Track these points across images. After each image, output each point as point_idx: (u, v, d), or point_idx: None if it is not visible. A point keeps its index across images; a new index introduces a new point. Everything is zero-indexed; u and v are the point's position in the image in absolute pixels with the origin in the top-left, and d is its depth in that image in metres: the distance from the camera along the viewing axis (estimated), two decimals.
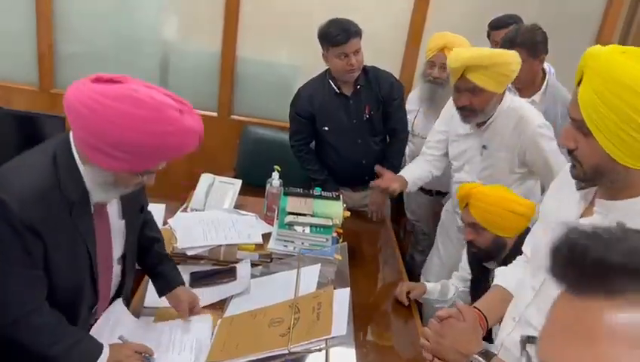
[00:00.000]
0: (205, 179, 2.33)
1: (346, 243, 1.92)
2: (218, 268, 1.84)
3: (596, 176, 1.02)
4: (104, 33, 3.02)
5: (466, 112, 1.96)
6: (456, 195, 1.89)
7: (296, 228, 1.91)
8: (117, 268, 1.42)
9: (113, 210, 1.37)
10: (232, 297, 1.67)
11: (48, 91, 3.05)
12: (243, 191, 2.35)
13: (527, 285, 1.16)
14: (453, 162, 2.23)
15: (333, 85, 2.41)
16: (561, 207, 1.17)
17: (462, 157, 2.16)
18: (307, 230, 1.91)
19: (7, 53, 3.03)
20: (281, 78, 3.16)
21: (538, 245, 1.23)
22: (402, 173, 2.29)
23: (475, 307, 1.32)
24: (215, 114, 3.13)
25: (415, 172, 2.29)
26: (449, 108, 2.17)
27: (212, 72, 3.08)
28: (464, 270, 2.00)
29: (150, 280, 1.60)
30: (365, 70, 2.42)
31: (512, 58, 1.87)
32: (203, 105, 3.11)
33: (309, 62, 3.08)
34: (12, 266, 1.17)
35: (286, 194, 2.09)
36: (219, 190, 2.32)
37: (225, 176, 2.42)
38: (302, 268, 1.73)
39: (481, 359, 1.09)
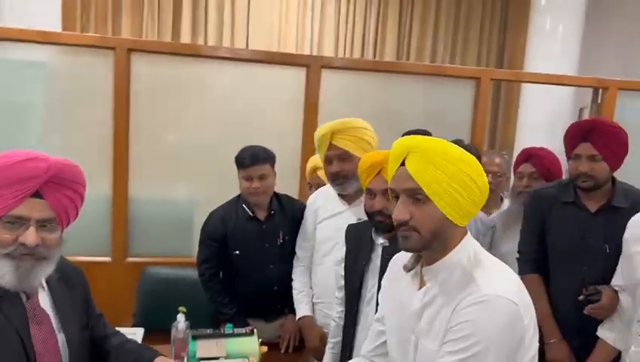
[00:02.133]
0: None
1: None
2: None
3: (433, 239, 1.15)
4: None
5: (340, 180, 2.15)
6: (361, 168, 1.83)
7: None
8: None
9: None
10: None
11: None
12: (146, 340, 2.15)
13: None
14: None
15: (247, 209, 2.40)
16: (402, 294, 1.28)
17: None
18: None
19: None
20: (180, 215, 3.07)
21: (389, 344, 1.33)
22: None
23: None
24: (108, 259, 2.93)
25: None
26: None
27: (103, 216, 2.93)
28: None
29: None
30: (278, 196, 2.46)
31: (368, 126, 2.20)
32: (94, 251, 2.93)
33: (210, 195, 3.06)
34: None
35: (194, 337, 1.93)
36: None
37: (123, 326, 2.21)
38: None
39: None
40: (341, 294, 2.03)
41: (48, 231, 1.21)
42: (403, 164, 1.15)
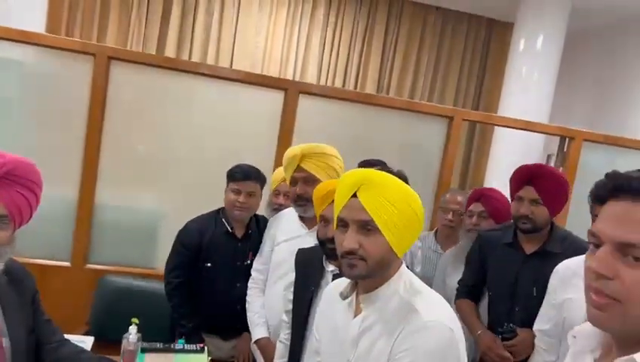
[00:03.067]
0: None
1: None
2: None
3: (378, 268, 1.21)
4: None
5: (302, 202, 2.20)
6: (317, 195, 1.85)
7: None
8: None
9: None
10: None
11: None
12: (96, 349, 2.11)
13: None
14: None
15: (226, 223, 2.43)
16: (337, 323, 1.32)
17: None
18: None
19: None
20: (145, 224, 3.06)
21: None
22: None
23: None
24: (68, 264, 2.89)
25: None
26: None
27: (66, 220, 2.90)
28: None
29: None
30: (257, 218, 2.51)
31: (337, 154, 2.27)
32: (54, 254, 2.89)
33: (176, 208, 3.07)
34: None
35: (143, 350, 1.94)
36: None
37: (74, 334, 2.18)
38: None
39: None
40: (288, 317, 2.04)
41: (0, 228, 1.20)
42: (355, 195, 1.19)
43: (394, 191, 1.18)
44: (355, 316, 1.27)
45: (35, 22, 4.31)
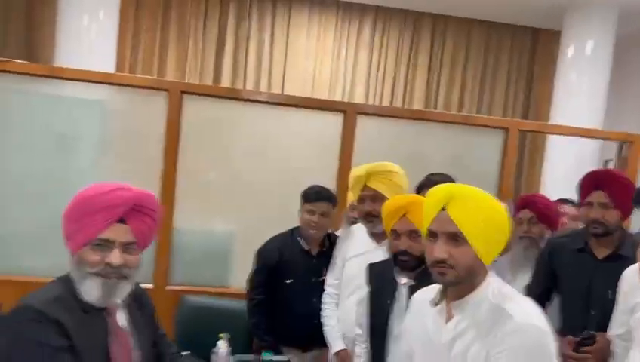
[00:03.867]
0: None
1: None
2: None
3: (466, 276, 1.30)
4: (36, 214, 3.02)
5: (371, 218, 2.31)
6: (386, 211, 1.97)
7: None
8: None
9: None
10: None
11: None
12: None
13: None
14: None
15: (302, 242, 2.58)
16: (429, 328, 1.41)
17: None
18: None
19: None
20: (217, 245, 3.24)
21: None
22: None
23: None
24: (151, 285, 3.08)
25: None
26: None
27: None
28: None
29: None
30: (329, 236, 2.66)
31: (401, 171, 2.39)
32: (138, 277, 3.08)
33: (244, 227, 3.24)
34: None
35: None
36: None
37: None
38: None
39: None
40: (362, 331, 2.14)
41: (130, 254, 1.37)
42: (444, 208, 1.30)
43: (481, 204, 1.29)
44: (446, 321, 1.37)
45: (106, 63, 4.65)
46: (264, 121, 3.28)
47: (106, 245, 1.33)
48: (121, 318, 1.43)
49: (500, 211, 1.32)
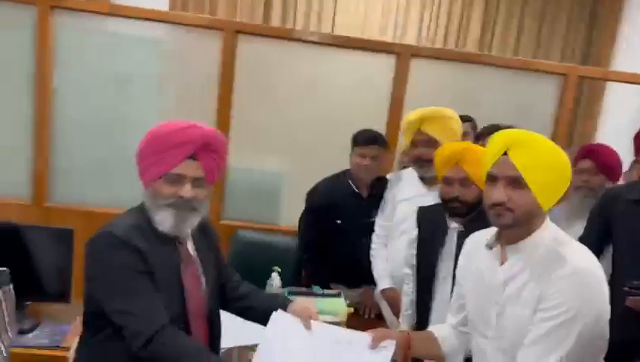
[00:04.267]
0: None
1: None
2: None
3: (524, 219, 1.32)
4: (101, 148, 3.18)
5: (422, 163, 2.32)
6: (439, 158, 1.99)
7: None
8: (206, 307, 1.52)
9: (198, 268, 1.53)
10: None
11: (41, 205, 3.12)
12: None
13: None
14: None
15: (352, 184, 2.64)
16: (483, 270, 1.45)
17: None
18: None
19: (1, 170, 3.13)
20: (268, 185, 3.35)
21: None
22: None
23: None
24: None
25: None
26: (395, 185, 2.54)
27: None
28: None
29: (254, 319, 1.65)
30: (380, 178, 2.67)
31: (456, 116, 2.36)
32: None
33: (292, 169, 3.32)
34: (138, 284, 1.32)
35: (290, 293, 2.19)
36: None
37: None
38: None
39: None
40: (410, 272, 2.21)
41: (199, 188, 1.45)
42: (505, 153, 1.31)
43: (544, 151, 1.30)
44: (500, 264, 1.41)
45: (159, 1, 4.69)
46: (317, 62, 3.28)
47: (178, 179, 1.42)
48: (191, 247, 1.53)
49: (562, 159, 1.32)
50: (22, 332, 2.04)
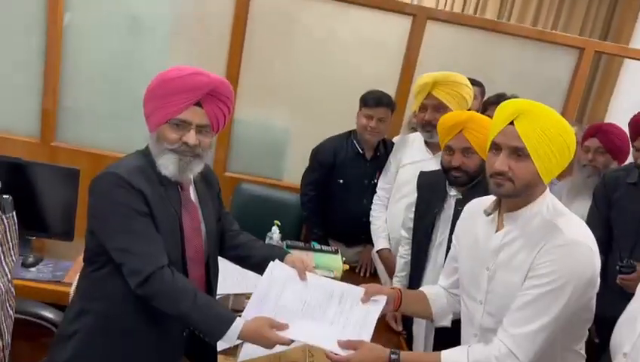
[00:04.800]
0: None
1: None
2: None
3: (523, 190, 1.33)
4: (111, 90, 3.18)
5: (430, 128, 2.30)
6: (442, 126, 1.97)
7: None
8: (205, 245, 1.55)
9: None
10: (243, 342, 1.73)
11: (49, 144, 3.15)
12: None
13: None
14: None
15: (357, 145, 2.65)
16: (479, 235, 1.48)
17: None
18: None
19: (12, 107, 3.14)
20: (274, 140, 3.36)
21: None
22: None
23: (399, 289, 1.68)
24: None
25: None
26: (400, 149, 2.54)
27: None
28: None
29: (250, 267, 1.69)
30: (385, 141, 2.69)
31: (468, 83, 2.33)
32: None
33: (300, 126, 3.32)
34: (139, 224, 1.35)
35: (288, 247, 2.23)
36: None
37: None
38: None
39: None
40: (407, 235, 2.23)
41: (204, 135, 1.46)
42: (511, 123, 1.31)
43: (549, 123, 1.29)
44: (496, 231, 1.43)
45: None
46: (332, 18, 3.23)
47: (183, 125, 1.42)
48: (192, 193, 1.55)
49: (568, 133, 1.31)
50: (25, 265, 2.10)
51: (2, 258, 1.22)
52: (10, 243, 1.25)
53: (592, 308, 1.38)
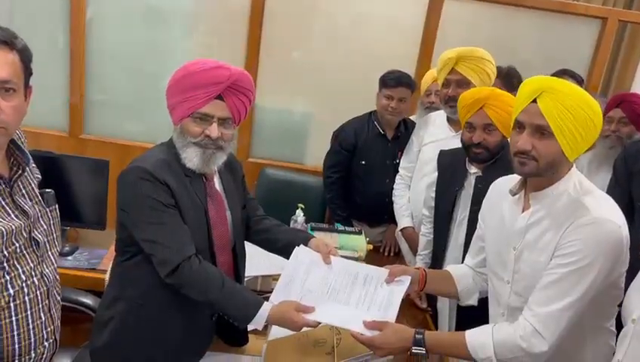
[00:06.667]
0: None
1: None
2: None
3: (547, 169, 1.31)
4: (135, 82, 3.25)
5: (453, 103, 2.21)
6: (463, 103, 1.97)
7: None
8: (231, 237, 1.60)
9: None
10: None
11: (77, 137, 3.24)
12: None
13: None
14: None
15: (378, 126, 2.68)
16: (505, 215, 1.47)
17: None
18: None
19: (40, 103, 3.22)
20: (296, 125, 3.40)
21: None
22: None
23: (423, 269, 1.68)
24: None
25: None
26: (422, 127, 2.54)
27: None
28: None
29: (276, 251, 1.73)
30: (405, 121, 2.70)
31: (492, 59, 2.28)
32: None
33: (320, 109, 3.34)
34: (166, 216, 1.39)
35: (312, 229, 2.27)
36: None
37: None
38: None
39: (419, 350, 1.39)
40: (429, 213, 2.24)
41: (226, 128, 1.49)
42: (534, 101, 1.29)
43: (573, 100, 1.26)
44: (523, 211, 1.42)
45: None
46: (347, 1, 3.22)
47: (205, 119, 1.45)
48: (217, 183, 1.60)
49: (593, 109, 1.28)
50: (62, 254, 2.19)
51: (49, 248, 1.29)
52: (54, 235, 1.32)
53: (620, 286, 1.36)
